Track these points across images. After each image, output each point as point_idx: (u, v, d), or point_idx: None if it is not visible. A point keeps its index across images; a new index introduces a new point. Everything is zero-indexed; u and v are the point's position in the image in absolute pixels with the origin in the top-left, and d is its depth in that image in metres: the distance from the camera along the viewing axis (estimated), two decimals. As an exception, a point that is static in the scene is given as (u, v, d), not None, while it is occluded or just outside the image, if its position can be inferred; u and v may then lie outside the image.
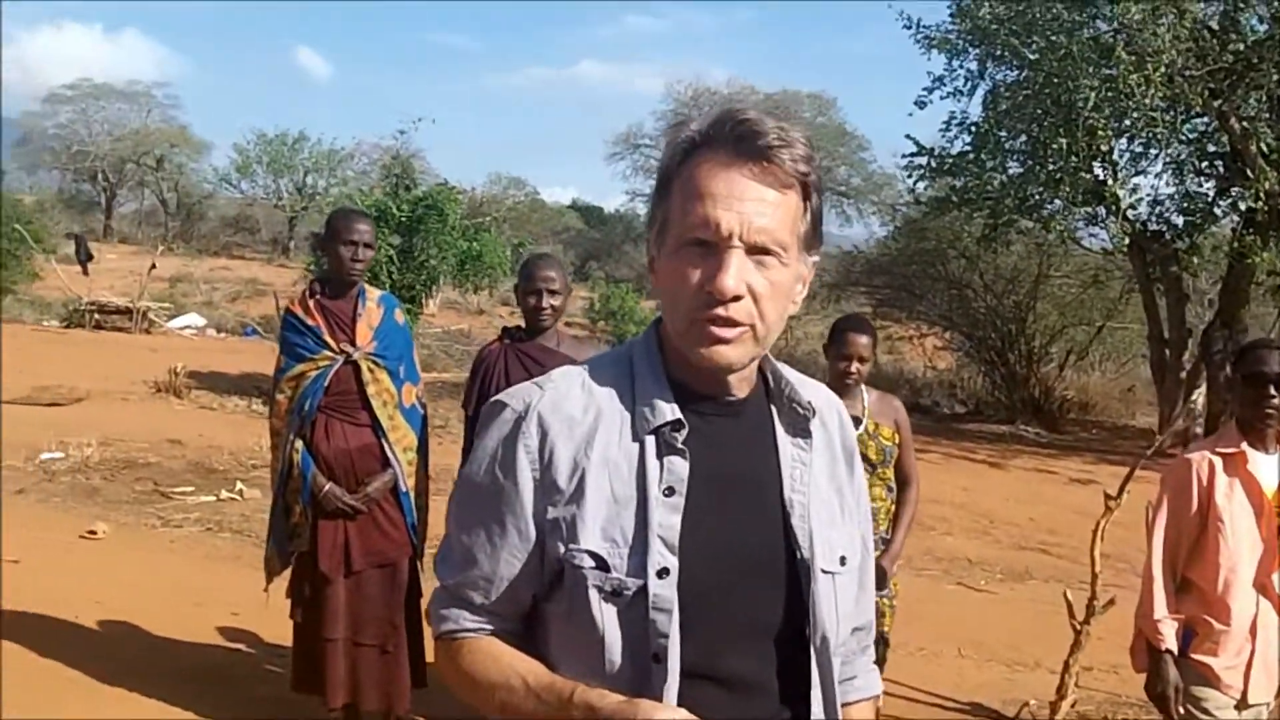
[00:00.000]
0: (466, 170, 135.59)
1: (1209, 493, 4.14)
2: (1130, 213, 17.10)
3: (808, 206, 1.80)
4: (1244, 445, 4.15)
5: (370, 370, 5.16)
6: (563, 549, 1.78)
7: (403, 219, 16.83)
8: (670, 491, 1.78)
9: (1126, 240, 15.88)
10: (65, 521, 9.47)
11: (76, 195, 60.34)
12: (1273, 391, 4.06)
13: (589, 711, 1.69)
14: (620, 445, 1.81)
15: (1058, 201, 17.02)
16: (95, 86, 59.34)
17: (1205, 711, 4.12)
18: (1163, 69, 14.24)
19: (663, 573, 1.74)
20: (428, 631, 5.46)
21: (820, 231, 1.85)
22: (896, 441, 5.08)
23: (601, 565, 1.76)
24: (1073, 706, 6.19)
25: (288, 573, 5.38)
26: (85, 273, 33.34)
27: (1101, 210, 17.89)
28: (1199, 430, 17.86)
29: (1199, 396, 18.02)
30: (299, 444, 5.14)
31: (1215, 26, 15.03)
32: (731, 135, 1.76)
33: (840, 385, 4.95)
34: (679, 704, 1.71)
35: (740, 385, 1.87)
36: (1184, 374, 18.14)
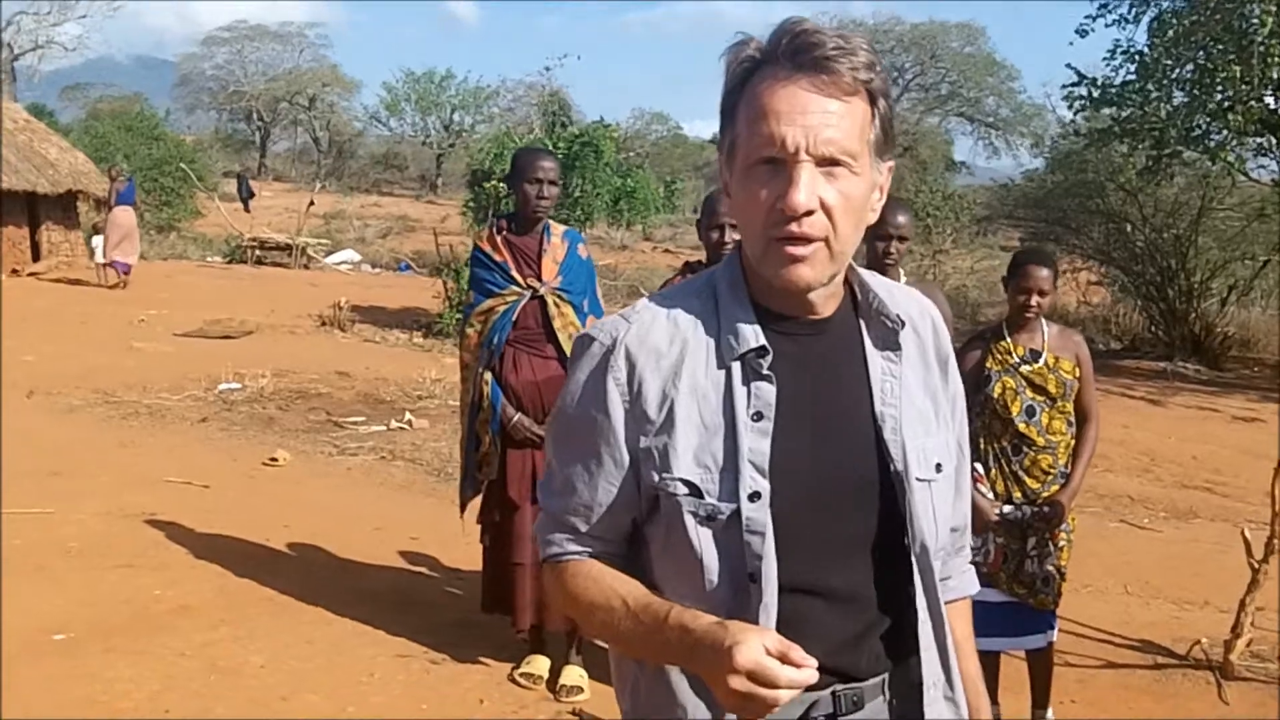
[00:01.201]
0: (609, 107, 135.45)
1: None
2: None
3: (875, 113, 1.79)
4: None
5: (556, 304, 5.27)
6: (656, 477, 1.83)
7: (560, 156, 16.94)
8: (759, 416, 1.81)
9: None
10: (248, 449, 9.90)
11: (233, 135, 61.85)
12: None
13: (683, 632, 1.72)
14: (707, 373, 1.84)
15: (1226, 132, 16.55)
16: (250, 28, 60.73)
17: None
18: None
19: (754, 496, 1.78)
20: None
21: (892, 137, 1.84)
22: (1077, 376, 5.05)
23: (695, 492, 1.81)
24: (1248, 646, 6.09)
25: (477, 500, 5.52)
26: (247, 210, 34.29)
27: (1272, 140, 17.35)
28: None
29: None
30: (488, 376, 5.27)
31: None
32: (789, 49, 1.75)
33: (1020, 318, 4.96)
34: (779, 618, 1.77)
35: (826, 303, 1.88)
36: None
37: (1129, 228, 21.63)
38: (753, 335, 1.83)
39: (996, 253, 27.37)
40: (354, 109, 60.86)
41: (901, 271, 5.22)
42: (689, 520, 1.81)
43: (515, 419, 5.26)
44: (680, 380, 1.83)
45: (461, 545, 6.44)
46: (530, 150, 5.52)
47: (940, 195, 28.17)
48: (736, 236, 4.95)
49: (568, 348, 5.21)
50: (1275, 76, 15.64)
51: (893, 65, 51.10)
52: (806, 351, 1.87)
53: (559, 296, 5.29)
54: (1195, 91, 16.68)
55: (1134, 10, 17.32)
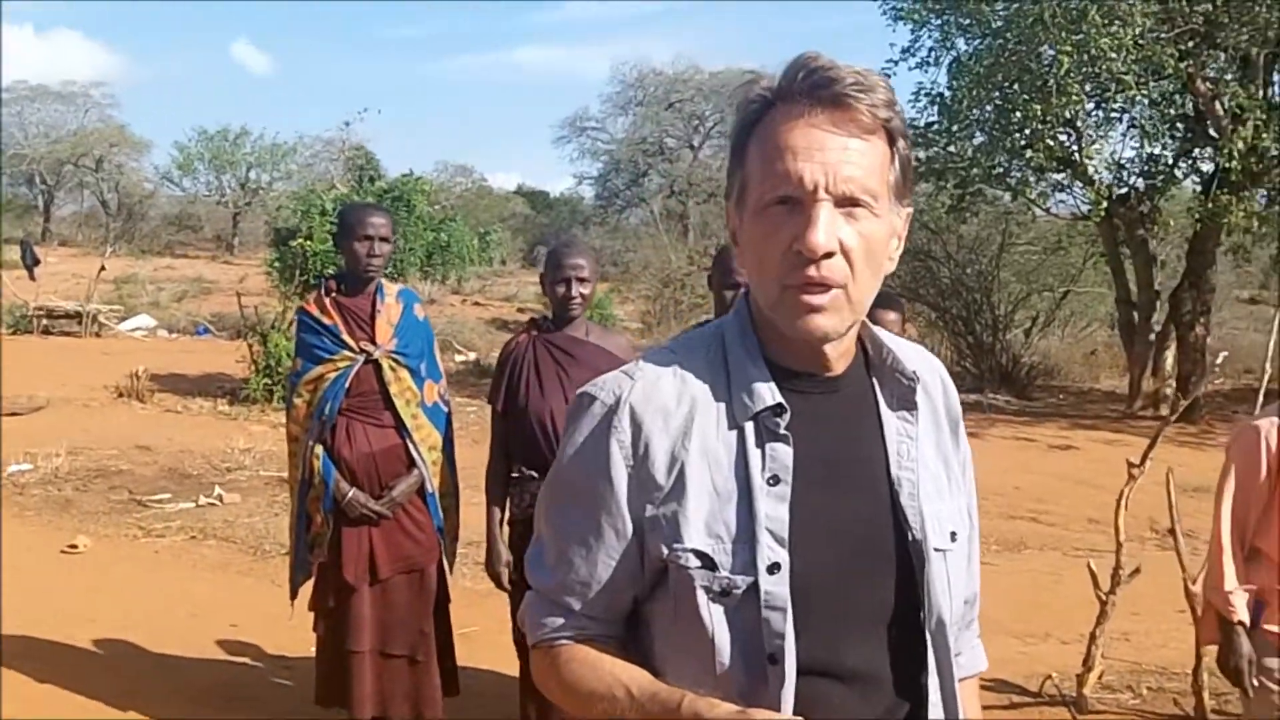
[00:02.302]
0: (411, 160, 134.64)
1: (1279, 459, 4.02)
2: (1096, 177, 17.13)
3: (894, 153, 1.69)
4: (1313, 410, 4.03)
5: (392, 369, 4.95)
6: (665, 549, 1.68)
7: (373, 211, 16.59)
8: (775, 480, 1.67)
9: (1104, 205, 15.86)
10: (43, 536, 9.19)
11: (13, 199, 59.45)
12: None
13: None
14: (719, 434, 1.70)
15: (1026, 170, 17.02)
16: (31, 89, 58.64)
17: (1279, 682, 4.01)
18: (1134, 32, 14.24)
19: (774, 568, 1.64)
20: (458, 637, 5.32)
21: (910, 181, 1.74)
22: None
23: (708, 564, 1.66)
24: (1099, 679, 6.12)
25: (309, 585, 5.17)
26: (33, 278, 32.81)
27: (1068, 176, 17.94)
28: (1169, 391, 17.96)
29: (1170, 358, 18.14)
30: (319, 449, 4.92)
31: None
32: (806, 84, 1.64)
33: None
34: (796, 704, 1.62)
35: (840, 359, 1.76)
36: (1153, 336, 18.20)
37: (934, 264, 22.18)
38: (769, 393, 1.70)
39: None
40: (144, 169, 59.24)
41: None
42: (700, 596, 1.66)
43: (350, 495, 4.90)
44: (690, 441, 1.69)
45: (286, 630, 6.06)
46: (359, 206, 5.21)
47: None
48: (584, 291, 4.76)
49: (405, 415, 4.92)
50: (1068, 115, 16.12)
51: (693, 114, 51.84)
52: (820, 411, 1.75)
53: (395, 360, 4.97)
54: (995, 131, 17.10)
55: (934, 54, 17.74)
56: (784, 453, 1.68)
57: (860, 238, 1.64)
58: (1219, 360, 6.70)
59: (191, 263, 45.67)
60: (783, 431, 1.69)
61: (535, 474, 4.74)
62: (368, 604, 4.95)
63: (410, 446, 4.97)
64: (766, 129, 1.68)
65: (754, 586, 1.64)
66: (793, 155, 1.63)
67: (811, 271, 1.62)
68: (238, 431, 13.75)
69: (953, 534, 1.80)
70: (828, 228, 1.61)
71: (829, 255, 1.62)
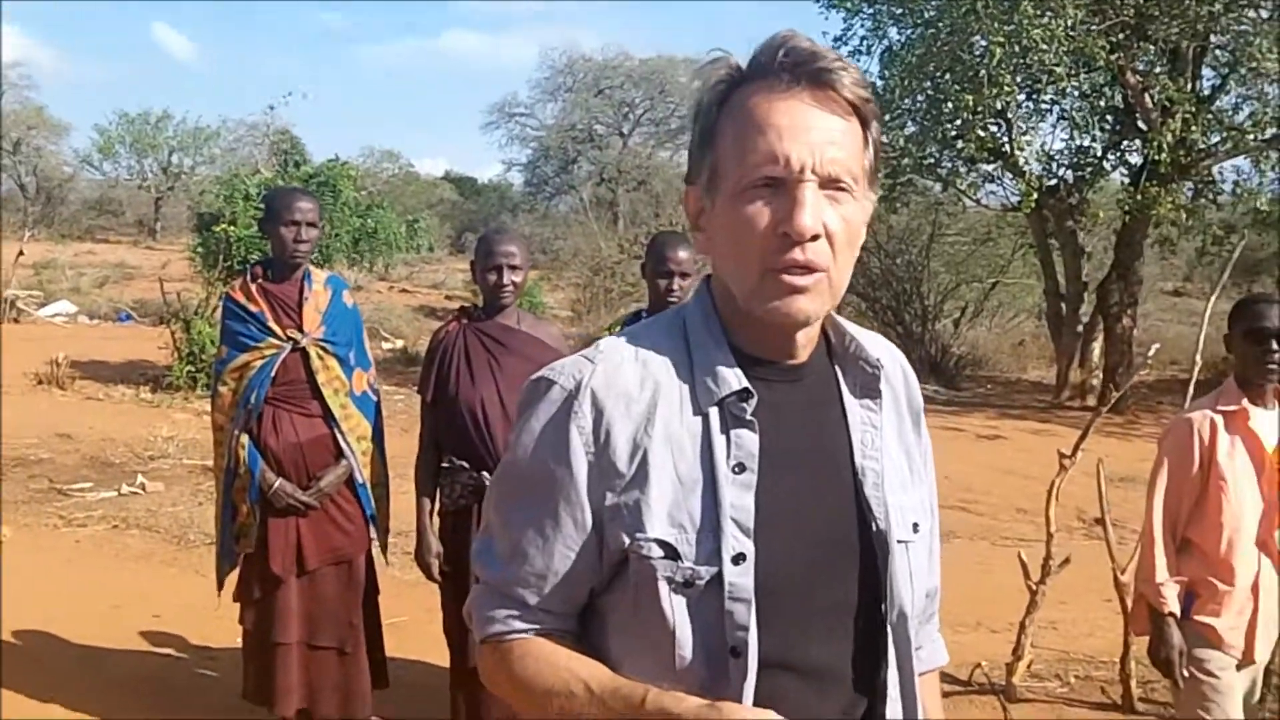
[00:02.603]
0: (337, 145, 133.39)
1: (1210, 452, 4.06)
2: (1026, 168, 17.26)
3: (868, 137, 1.65)
4: (1244, 402, 4.06)
5: (320, 357, 4.86)
6: (626, 538, 1.62)
7: (297, 197, 16.36)
8: (740, 468, 1.62)
9: (1034, 197, 15.98)
10: (-40, 526, 9.00)
11: (-75, 183, 58.34)
12: (1274, 346, 3.98)
13: (664, 717, 1.53)
14: (683, 421, 1.65)
15: (957, 160, 17.12)
16: (-56, 71, 57.36)
17: (1208, 673, 4.07)
18: (1066, 24, 14.35)
19: (738, 559, 1.59)
20: (387, 627, 5.25)
21: (879, 166, 1.71)
22: None
23: (671, 554, 1.61)
24: (1028, 667, 6.16)
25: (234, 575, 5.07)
26: (-53, 262, 32.17)
27: (998, 167, 18.06)
28: (1096, 383, 18.16)
29: (1097, 348, 18.33)
30: (245, 439, 4.82)
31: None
32: (788, 61, 1.60)
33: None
34: (756, 699, 1.58)
35: (806, 345, 1.73)
36: (1080, 327, 18.38)
37: (864, 255, 22.22)
38: (734, 378, 1.66)
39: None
40: (64, 152, 58.16)
41: None
42: (662, 587, 1.61)
43: (276, 485, 4.81)
44: (653, 428, 1.64)
45: (211, 620, 5.97)
46: (286, 190, 5.10)
47: (681, 228, 28.40)
48: (516, 279, 4.68)
49: (333, 404, 4.85)
50: (999, 106, 16.22)
51: (623, 101, 51.73)
52: (784, 398, 1.70)
53: (322, 348, 4.88)
54: (926, 121, 17.17)
55: (866, 43, 17.80)
56: (749, 439, 1.64)
57: (843, 222, 1.61)
58: (1150, 353, 6.73)
59: (113, 248, 45.00)
60: (748, 418, 1.64)
61: (466, 464, 4.68)
62: (295, 595, 4.88)
63: (338, 436, 4.89)
64: (742, 108, 1.63)
65: (718, 577, 1.60)
66: (777, 134, 1.58)
67: (797, 255, 1.58)
68: (161, 419, 13.55)
69: (915, 525, 1.77)
70: (814, 210, 1.58)
71: (815, 238, 1.58)
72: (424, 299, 32.00)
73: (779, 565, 1.62)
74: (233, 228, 15.69)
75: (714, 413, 1.65)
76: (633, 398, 1.66)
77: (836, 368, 1.78)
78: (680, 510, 1.62)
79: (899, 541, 1.71)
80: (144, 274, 32.97)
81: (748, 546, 1.60)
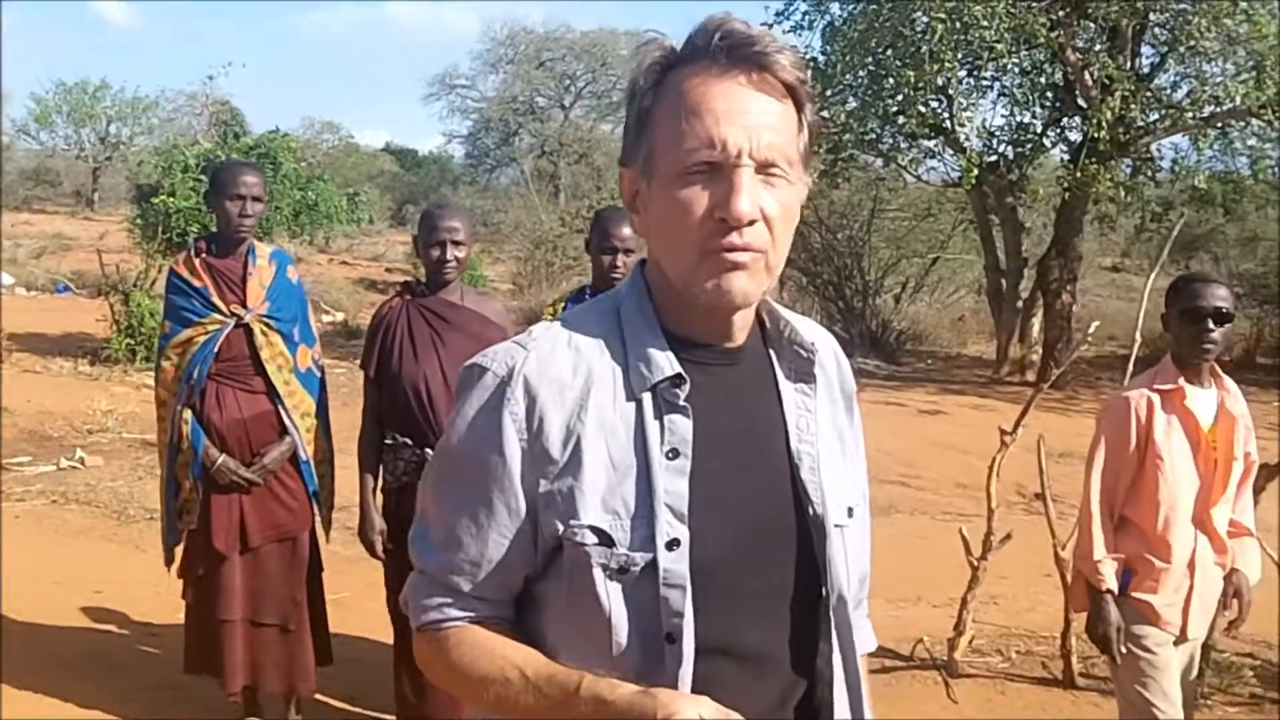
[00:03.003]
0: (276, 116, 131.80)
1: (1148, 430, 4.11)
2: (966, 144, 17.35)
3: (803, 120, 1.66)
4: (1181, 381, 4.11)
5: (263, 333, 4.83)
6: (560, 525, 1.62)
7: (238, 168, 16.13)
8: (674, 454, 1.62)
9: (975, 173, 16.06)
10: (-107, 500, 8.89)
11: None
12: (1210, 326, 4.02)
13: (599, 705, 1.54)
14: (615, 406, 1.65)
15: (898, 136, 17.18)
16: (-125, 33, 56.28)
17: (1145, 649, 4.12)
18: (1007, 0, 14.42)
19: (673, 544, 1.59)
20: (330, 605, 5.24)
21: (814, 148, 1.72)
22: None
23: (605, 540, 1.60)
24: (970, 642, 6.22)
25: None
26: (-121, 232, 31.64)
27: (939, 143, 18.14)
28: (1035, 358, 18.34)
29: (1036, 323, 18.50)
30: (188, 414, 4.79)
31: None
32: (724, 45, 1.60)
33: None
34: (693, 685, 1.59)
35: (742, 328, 1.73)
36: (1020, 303, 18.54)
37: (805, 229, 22.32)
38: (667, 363, 1.66)
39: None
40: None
41: None
42: (597, 573, 1.61)
43: (219, 461, 4.79)
44: (586, 414, 1.64)
45: (152, 596, 5.99)
46: (231, 164, 5.06)
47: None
48: (459, 254, 4.67)
49: (277, 380, 4.82)
50: (940, 83, 16.29)
51: (564, 74, 51.51)
52: (719, 383, 1.71)
53: (266, 324, 4.85)
54: (867, 96, 17.22)
55: (808, 18, 17.78)
56: (683, 425, 1.64)
57: (780, 205, 1.62)
58: (1090, 330, 6.78)
59: (50, 218, 44.36)
60: (682, 403, 1.65)
61: (409, 441, 4.68)
62: (238, 572, 4.86)
63: (282, 413, 4.86)
64: (678, 91, 1.63)
65: (652, 563, 1.60)
66: (713, 118, 1.59)
67: (734, 238, 1.59)
68: (100, 393, 13.42)
69: (850, 510, 1.78)
70: (751, 194, 1.58)
71: (752, 223, 1.59)
72: (364, 271, 31.80)
73: (714, 550, 1.62)
74: (172, 199, 15.52)
75: (647, 398, 1.65)
76: (566, 384, 1.66)
77: (771, 352, 1.79)
78: (614, 496, 1.62)
79: (835, 525, 1.72)
80: (82, 245, 32.53)
81: (682, 532, 1.60)
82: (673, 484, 1.61)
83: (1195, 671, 4.41)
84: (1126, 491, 4.17)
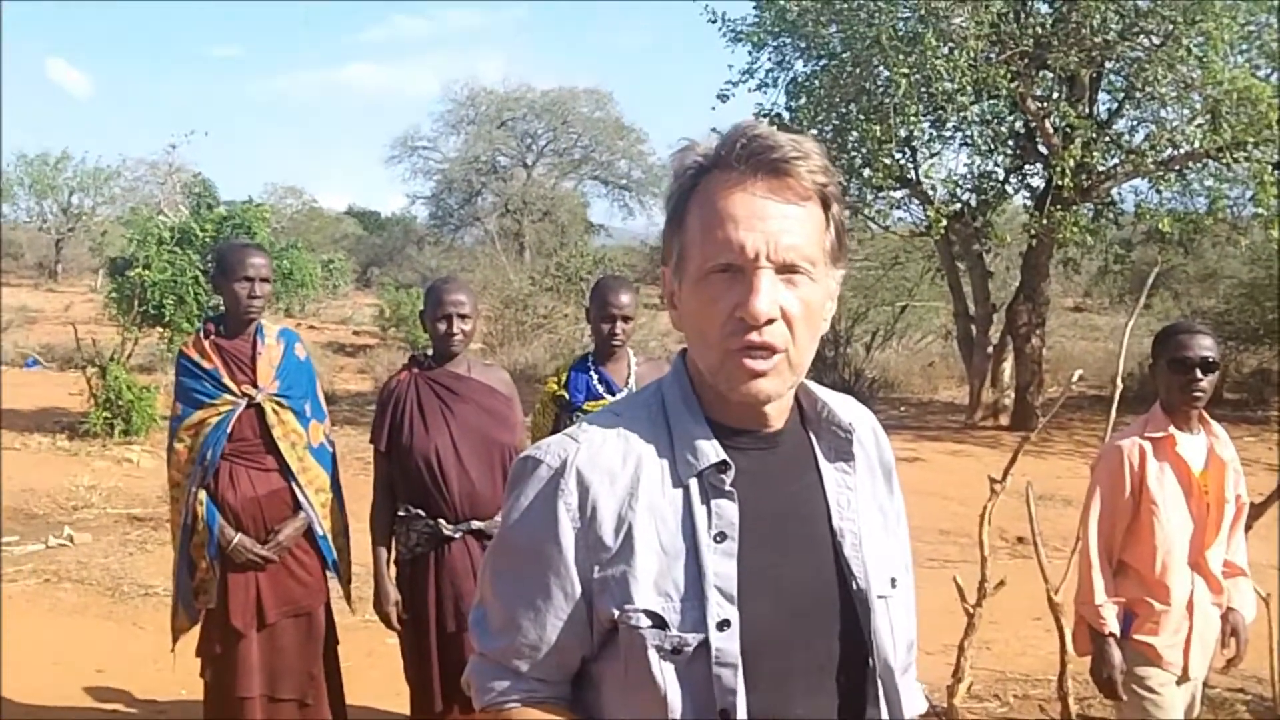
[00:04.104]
0: (239, 181, 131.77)
1: (1141, 477, 4.22)
2: (932, 193, 17.51)
3: (829, 218, 1.74)
4: (1171, 429, 4.23)
5: (275, 412, 4.89)
6: (615, 609, 1.70)
7: (207, 239, 16.14)
8: (722, 537, 1.70)
9: (943, 223, 16.23)
10: (-117, 586, 8.82)
11: None
12: (1198, 375, 4.14)
13: None
14: (664, 493, 1.72)
15: (863, 188, 17.31)
16: None
17: (1149, 689, 4.22)
18: (968, 54, 14.63)
19: (723, 625, 1.67)
20: (347, 677, 5.28)
21: (845, 243, 1.79)
22: None
23: (659, 623, 1.68)
24: (968, 689, 6.26)
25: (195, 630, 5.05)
26: None
27: (905, 194, 18.29)
28: (1008, 402, 18.46)
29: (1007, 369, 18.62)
30: (203, 495, 4.83)
31: (1011, 14, 15.46)
32: (744, 153, 1.69)
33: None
34: None
35: (779, 415, 1.81)
36: (990, 348, 18.68)
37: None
38: (712, 450, 1.74)
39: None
40: (-42, 195, 57.00)
41: (630, 352, 5.11)
42: (652, 655, 1.68)
43: (235, 540, 4.84)
44: (637, 501, 1.72)
45: (154, 673, 5.96)
46: (237, 246, 5.12)
47: (590, 259, 28.36)
48: (465, 327, 4.77)
49: (290, 458, 4.88)
50: (904, 135, 16.47)
51: (525, 132, 51.76)
52: (761, 466, 1.79)
53: (278, 403, 4.92)
54: (833, 150, 17.34)
55: (771, 75, 17.96)
56: (729, 509, 1.71)
57: (800, 303, 1.69)
58: (1074, 378, 6.89)
59: (14, 291, 44.04)
60: (728, 488, 1.72)
61: (421, 512, 4.75)
62: (256, 649, 4.89)
63: (295, 489, 4.92)
64: (705, 196, 1.72)
65: (704, 644, 1.67)
66: (734, 224, 1.67)
67: (754, 337, 1.67)
68: (80, 468, 13.29)
69: (893, 580, 1.86)
70: (769, 295, 1.66)
71: (770, 321, 1.67)
72: (332, 335, 31.69)
73: (763, 628, 1.69)
74: (146, 272, 15.50)
75: (694, 484, 1.73)
76: (616, 473, 1.73)
77: (810, 433, 1.87)
78: (665, 580, 1.69)
79: (879, 597, 1.80)
80: (47, 317, 32.35)
81: (732, 613, 1.67)
82: (721, 566, 1.69)
83: (1196, 710, 4.50)
84: (1123, 537, 4.28)
